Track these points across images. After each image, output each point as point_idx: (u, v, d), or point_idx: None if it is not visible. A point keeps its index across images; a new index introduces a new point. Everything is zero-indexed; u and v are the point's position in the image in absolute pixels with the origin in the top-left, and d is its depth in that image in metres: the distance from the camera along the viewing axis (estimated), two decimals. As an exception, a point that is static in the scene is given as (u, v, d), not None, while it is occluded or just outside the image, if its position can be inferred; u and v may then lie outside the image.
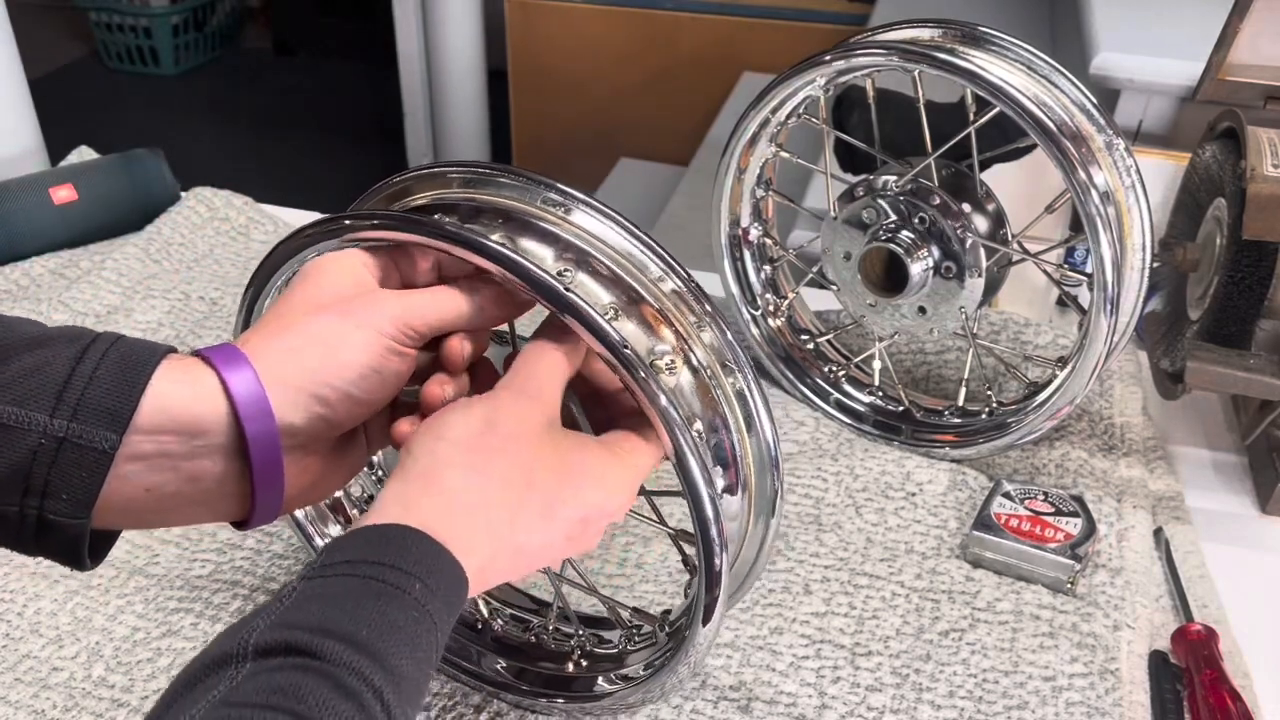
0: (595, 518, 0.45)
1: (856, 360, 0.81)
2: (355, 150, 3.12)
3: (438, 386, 0.46)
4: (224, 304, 0.90)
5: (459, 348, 0.47)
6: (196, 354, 0.43)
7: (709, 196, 0.79)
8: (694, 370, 0.48)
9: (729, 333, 0.50)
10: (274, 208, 1.05)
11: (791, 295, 0.83)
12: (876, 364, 0.80)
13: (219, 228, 1.00)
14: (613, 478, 0.45)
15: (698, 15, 2.43)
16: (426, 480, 0.42)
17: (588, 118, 2.58)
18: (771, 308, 0.82)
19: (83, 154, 1.06)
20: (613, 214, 0.48)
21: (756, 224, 0.81)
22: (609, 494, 0.45)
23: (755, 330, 0.83)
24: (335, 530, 0.59)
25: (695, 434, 0.47)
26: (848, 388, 0.81)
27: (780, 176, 0.81)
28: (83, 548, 0.41)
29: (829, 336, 0.82)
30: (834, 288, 0.77)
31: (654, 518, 0.55)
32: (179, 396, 0.41)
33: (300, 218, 1.06)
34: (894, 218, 0.72)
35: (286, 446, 0.43)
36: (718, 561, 0.46)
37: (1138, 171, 0.68)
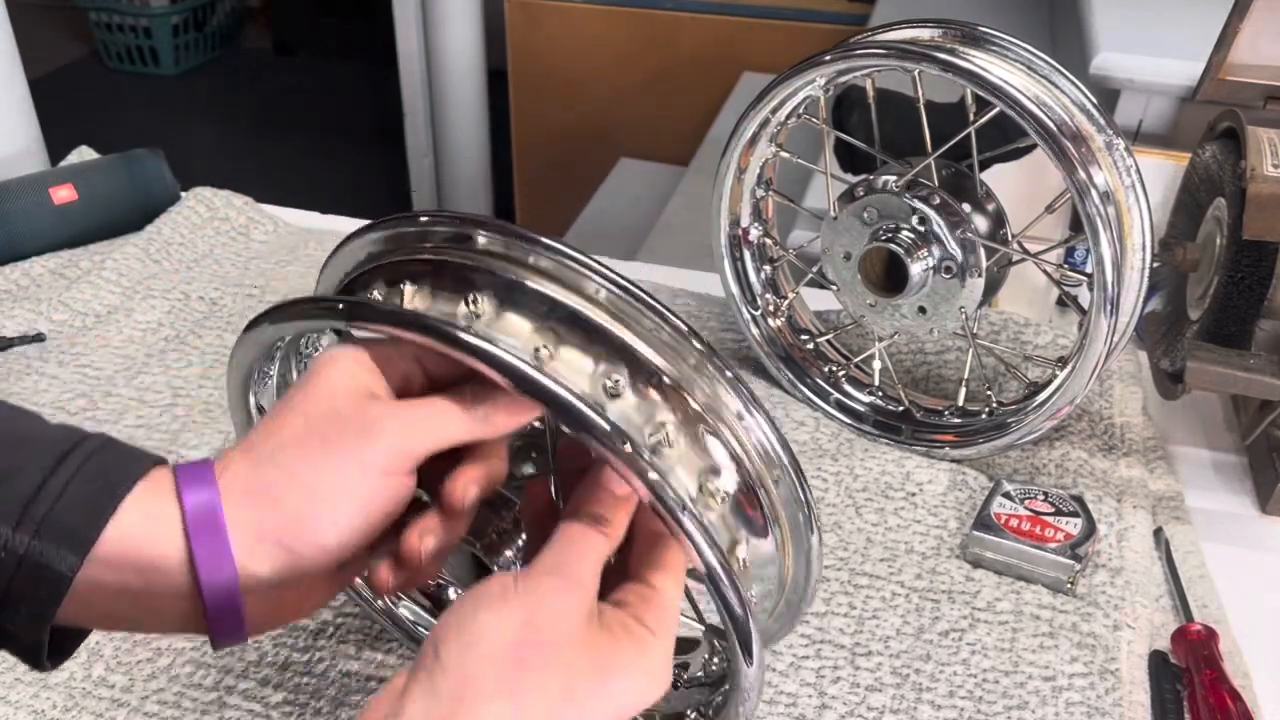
0: (629, 713, 0.42)
1: (856, 360, 0.81)
2: (355, 150, 3.12)
3: (417, 538, 0.42)
4: (224, 304, 0.90)
5: (460, 493, 0.42)
6: (175, 472, 0.40)
7: (709, 196, 0.79)
8: (743, 489, 0.44)
9: (777, 430, 0.44)
10: (274, 208, 1.05)
11: (791, 295, 0.83)
12: (876, 364, 0.80)
13: (219, 228, 1.00)
14: (650, 669, 0.41)
15: (698, 15, 2.43)
16: (457, 705, 0.38)
17: (588, 118, 2.58)
18: (771, 308, 0.82)
19: (83, 154, 1.06)
20: (662, 308, 0.42)
21: (756, 224, 0.81)
22: (646, 689, 0.41)
23: (755, 330, 0.83)
24: None
25: (740, 563, 0.44)
26: (848, 388, 0.81)
27: (780, 176, 0.81)
28: (41, 654, 0.40)
29: (829, 336, 0.82)
30: (834, 288, 0.77)
31: (691, 615, 0.53)
32: (142, 531, 0.39)
33: (300, 218, 1.06)
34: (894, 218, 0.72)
35: (251, 588, 0.40)
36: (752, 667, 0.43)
37: (1138, 171, 0.68)
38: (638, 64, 2.50)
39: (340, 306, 0.43)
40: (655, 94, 2.52)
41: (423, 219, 0.44)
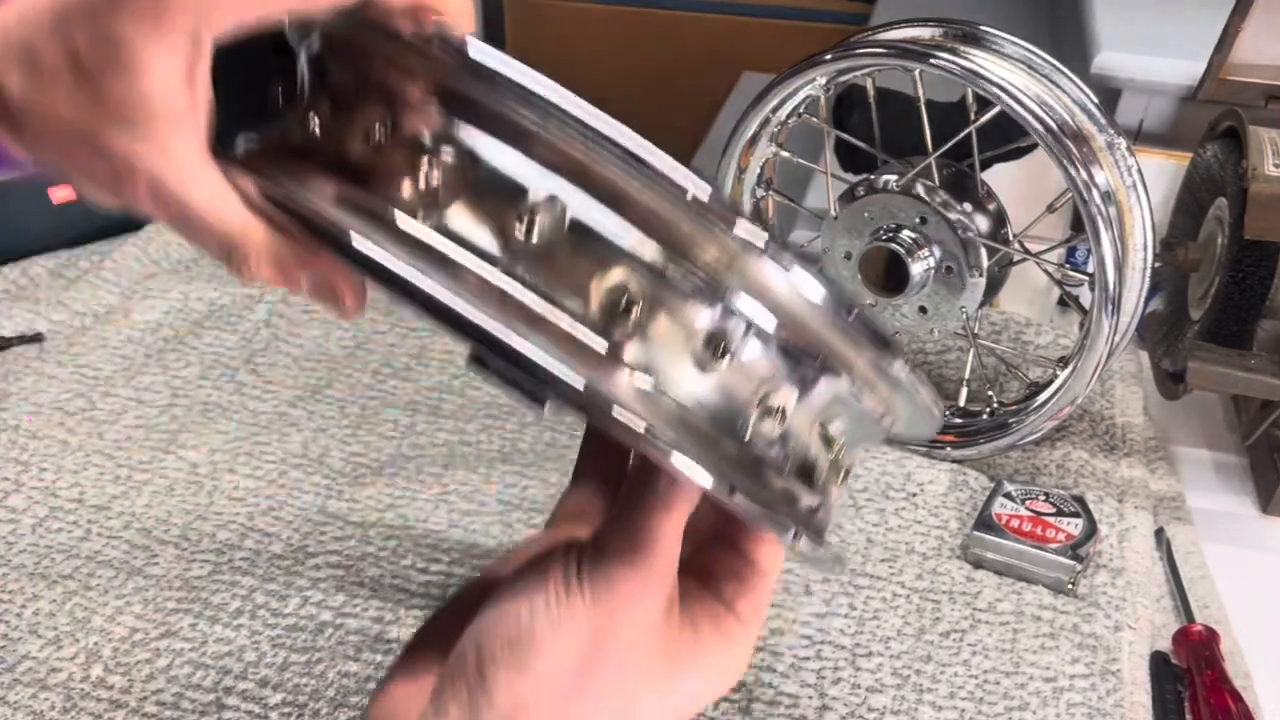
0: (693, 711, 0.35)
1: (857, 360, 0.81)
2: (355, 150, 3.12)
3: None
4: (222, 304, 0.90)
5: None
6: None
7: (709, 196, 0.79)
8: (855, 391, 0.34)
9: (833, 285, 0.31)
10: (273, 207, 1.05)
11: (792, 295, 0.82)
12: (877, 364, 0.80)
13: (218, 227, 1.00)
14: (730, 665, 0.35)
15: (698, 15, 2.43)
16: None
17: (587, 117, 2.58)
18: (772, 308, 0.82)
19: (82, 153, 1.06)
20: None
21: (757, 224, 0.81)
22: (719, 686, 0.35)
23: (755, 330, 0.82)
24: None
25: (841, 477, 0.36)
26: (848, 388, 0.81)
27: (780, 176, 0.80)
28: None
29: (829, 336, 0.82)
30: (834, 288, 0.77)
31: None
32: None
33: (299, 217, 1.06)
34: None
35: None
36: None
37: (1139, 171, 0.67)
38: (638, 63, 2.50)
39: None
40: (655, 94, 2.51)
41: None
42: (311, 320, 0.88)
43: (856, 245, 0.73)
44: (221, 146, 0.32)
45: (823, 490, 0.33)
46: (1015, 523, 0.67)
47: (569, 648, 0.31)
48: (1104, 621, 0.63)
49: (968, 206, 0.70)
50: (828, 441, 0.33)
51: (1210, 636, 0.62)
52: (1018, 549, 0.66)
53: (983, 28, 0.68)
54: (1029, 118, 0.62)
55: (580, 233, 0.30)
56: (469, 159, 0.30)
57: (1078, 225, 0.67)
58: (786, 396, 0.31)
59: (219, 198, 0.31)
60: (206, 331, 0.87)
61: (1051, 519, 0.67)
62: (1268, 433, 0.77)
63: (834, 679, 0.60)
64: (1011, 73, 0.64)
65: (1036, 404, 0.72)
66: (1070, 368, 0.69)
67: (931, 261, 0.71)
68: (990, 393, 0.76)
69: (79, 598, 0.64)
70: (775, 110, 0.74)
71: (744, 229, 0.29)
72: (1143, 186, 0.68)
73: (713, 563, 0.34)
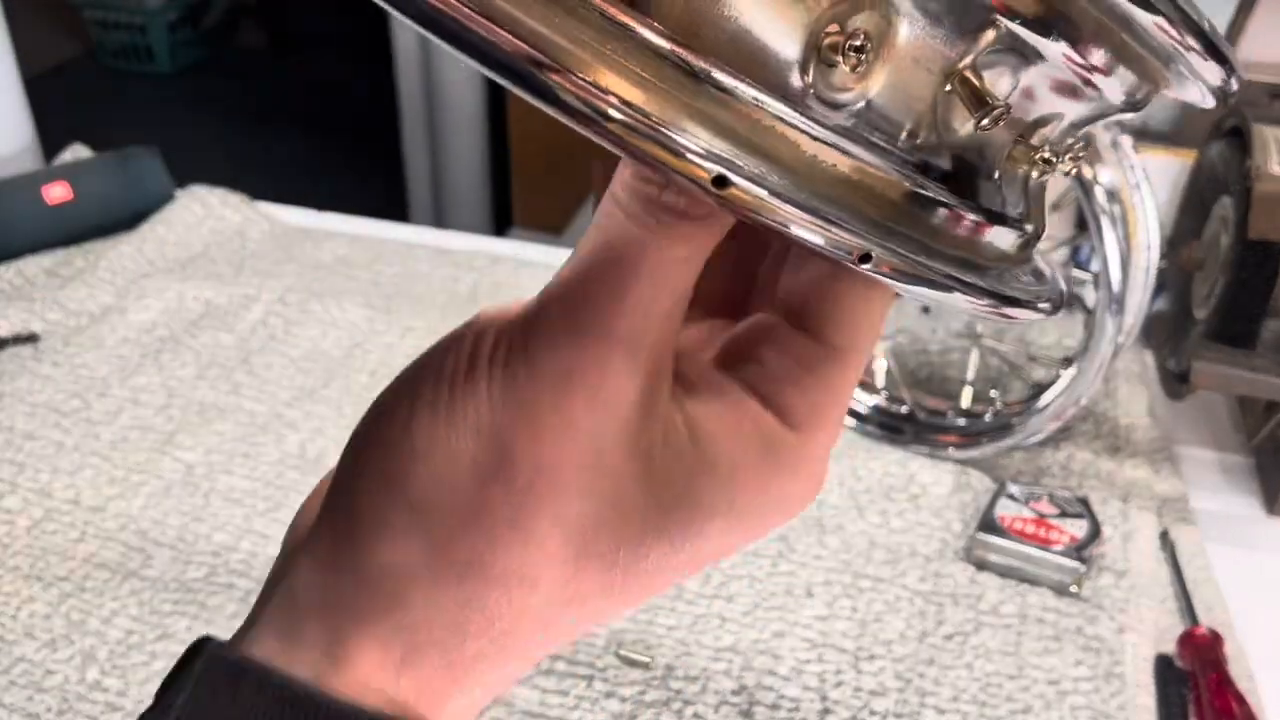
0: (711, 561, 0.22)
1: (858, 360, 0.81)
2: (352, 148, 3.12)
3: None
4: (219, 303, 0.89)
5: None
6: None
7: (710, 195, 0.79)
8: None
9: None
10: (269, 206, 1.05)
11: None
12: (880, 365, 0.79)
13: (214, 226, 0.99)
14: (763, 503, 0.22)
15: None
16: (367, 598, 0.21)
17: (586, 116, 2.57)
18: (773, 307, 0.82)
19: (77, 152, 1.05)
20: None
21: (758, 223, 0.80)
22: (748, 529, 0.22)
23: (756, 330, 0.82)
24: None
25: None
26: (850, 388, 0.80)
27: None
28: None
29: (831, 336, 0.82)
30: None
31: None
32: None
33: (297, 216, 1.05)
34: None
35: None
36: None
37: (1143, 169, 0.67)
38: (636, 62, 2.49)
39: None
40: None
41: None
42: (308, 320, 0.87)
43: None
44: None
45: (986, 191, 0.20)
46: (1019, 524, 0.67)
47: (459, 463, 0.20)
48: (1108, 624, 0.63)
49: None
50: (993, 112, 0.19)
51: (1214, 639, 0.62)
52: (1021, 551, 0.65)
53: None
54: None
55: None
56: None
57: (1082, 224, 0.66)
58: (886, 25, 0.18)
59: None
60: (203, 331, 0.86)
61: (1055, 520, 0.67)
62: (1273, 433, 0.76)
63: (836, 682, 0.59)
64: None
65: (1040, 405, 0.72)
66: (1074, 368, 0.69)
67: (934, 261, 0.70)
68: (994, 393, 0.75)
69: (74, 600, 0.63)
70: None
71: None
72: (1147, 185, 0.67)
73: (770, 354, 0.21)
